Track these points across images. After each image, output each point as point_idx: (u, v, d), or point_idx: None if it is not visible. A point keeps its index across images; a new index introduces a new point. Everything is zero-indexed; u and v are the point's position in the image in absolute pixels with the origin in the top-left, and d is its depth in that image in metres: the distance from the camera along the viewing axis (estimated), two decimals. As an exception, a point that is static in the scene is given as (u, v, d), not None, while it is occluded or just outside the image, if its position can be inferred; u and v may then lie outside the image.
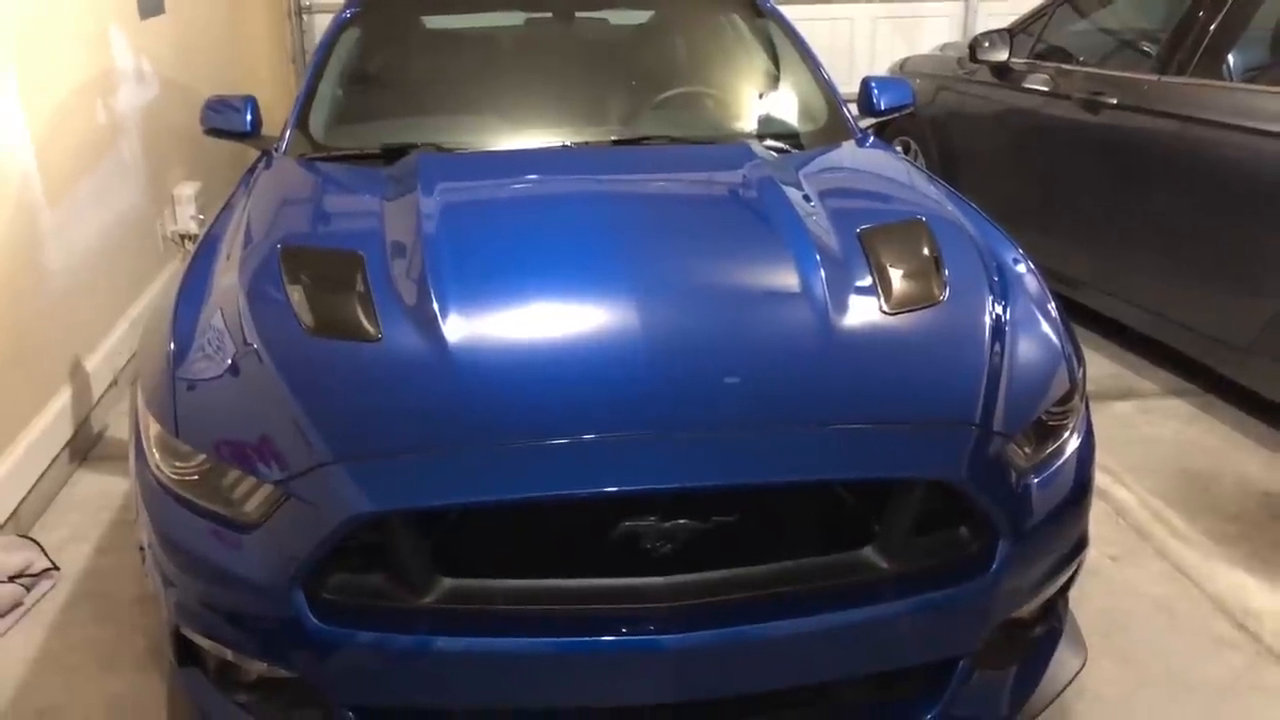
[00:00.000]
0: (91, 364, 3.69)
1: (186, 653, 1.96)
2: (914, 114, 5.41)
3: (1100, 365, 4.25)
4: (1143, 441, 3.61)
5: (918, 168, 2.97)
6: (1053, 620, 2.12)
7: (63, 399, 3.44)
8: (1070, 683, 2.11)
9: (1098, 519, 3.07)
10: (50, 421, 3.32)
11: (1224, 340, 3.66)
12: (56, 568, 2.85)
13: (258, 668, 1.87)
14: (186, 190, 4.89)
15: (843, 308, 2.05)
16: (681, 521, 1.75)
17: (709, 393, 1.86)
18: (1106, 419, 3.78)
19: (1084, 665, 2.16)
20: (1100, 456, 3.42)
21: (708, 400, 1.85)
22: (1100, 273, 4.28)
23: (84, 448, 3.54)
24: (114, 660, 2.50)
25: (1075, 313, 4.58)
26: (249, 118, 3.23)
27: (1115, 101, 4.07)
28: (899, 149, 5.70)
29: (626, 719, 1.87)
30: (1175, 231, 3.84)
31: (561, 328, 2.02)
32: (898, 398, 1.90)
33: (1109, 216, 4.17)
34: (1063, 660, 2.12)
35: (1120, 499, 3.23)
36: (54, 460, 3.31)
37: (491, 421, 1.79)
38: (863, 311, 2.06)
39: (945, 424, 1.86)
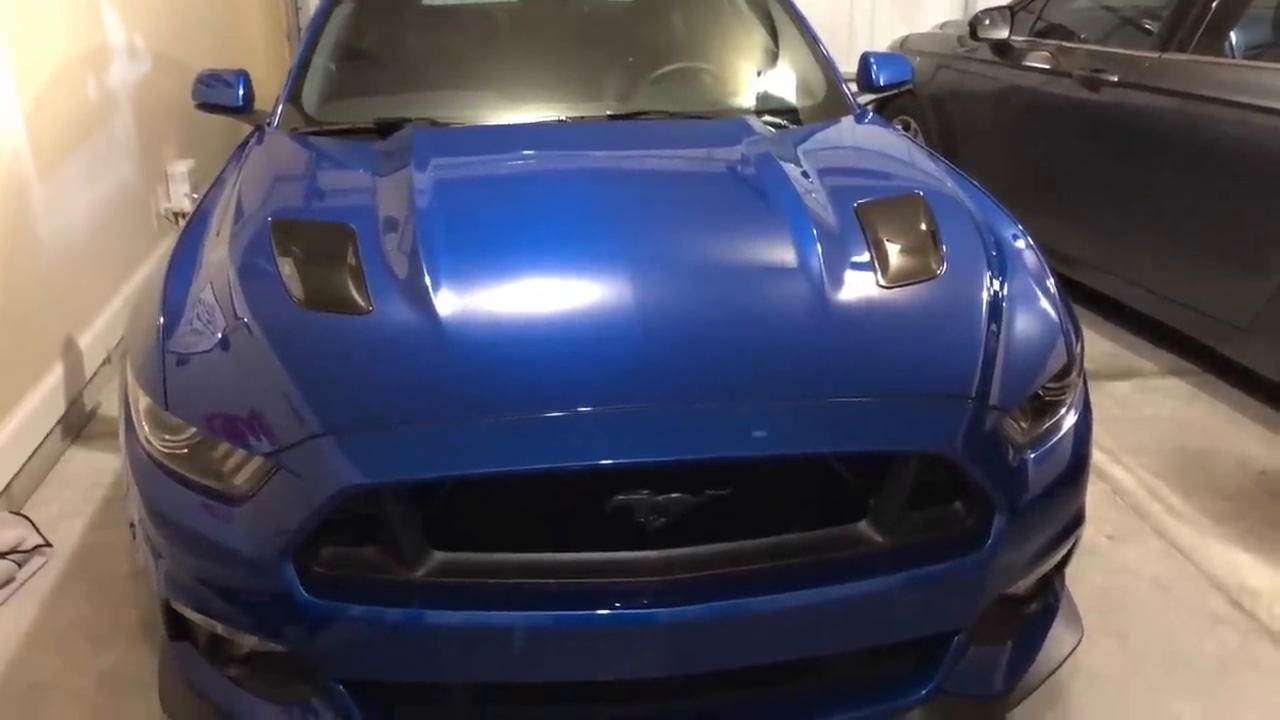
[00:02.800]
0: (84, 341, 3.67)
1: (178, 627, 1.94)
2: (914, 92, 5.40)
3: (1099, 344, 4.24)
4: (1141, 421, 3.60)
5: (916, 143, 2.94)
6: (1049, 596, 2.11)
7: (55, 376, 3.43)
8: (1066, 659, 2.10)
9: (1095, 498, 3.06)
10: (43, 398, 3.30)
11: (1223, 319, 3.65)
12: (49, 544, 2.84)
13: (249, 642, 1.86)
14: (180, 168, 4.87)
15: (839, 281, 2.03)
16: (675, 495, 1.73)
17: (703, 366, 1.85)
18: (1105, 398, 3.76)
19: (1080, 642, 2.15)
20: (1098, 435, 3.43)
21: (701, 373, 1.83)
22: (1100, 251, 4.27)
23: (77, 425, 3.52)
24: (105, 636, 2.49)
25: (1075, 292, 4.56)
26: (241, 92, 3.20)
27: (1116, 79, 4.04)
28: (899, 127, 5.69)
29: (619, 693, 1.86)
30: (1175, 210, 3.82)
31: (554, 301, 2.00)
32: (893, 371, 1.88)
33: (1109, 195, 4.14)
34: (1058, 636, 2.11)
35: (1118, 478, 3.22)
36: (47, 437, 3.30)
37: (483, 394, 1.77)
38: (859, 285, 2.04)
39: (941, 398, 1.85)
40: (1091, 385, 3.82)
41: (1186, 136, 3.72)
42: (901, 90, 5.51)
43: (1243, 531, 2.93)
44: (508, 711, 1.88)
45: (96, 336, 3.76)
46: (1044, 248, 4.53)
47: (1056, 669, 2.08)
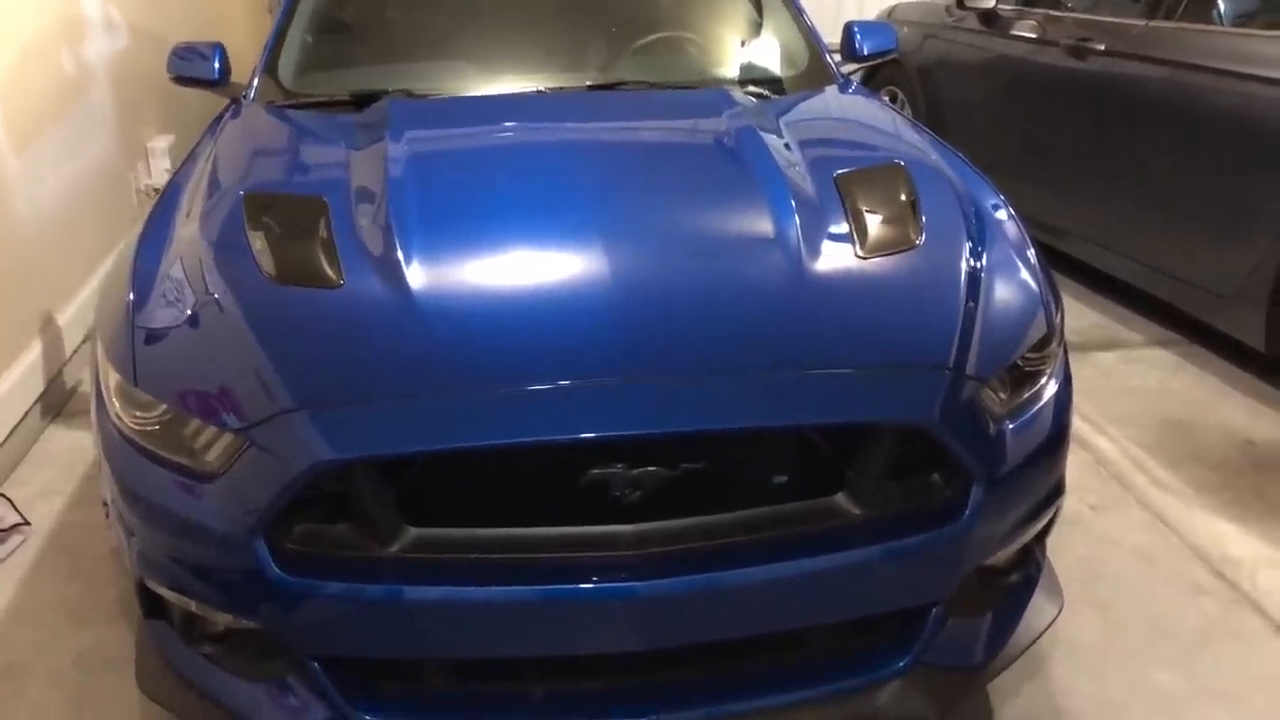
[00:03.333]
0: (64, 319, 3.64)
1: (153, 605, 1.93)
2: (901, 63, 5.37)
3: (1086, 316, 4.23)
4: (1126, 391, 3.59)
5: (899, 113, 2.91)
6: (1028, 567, 2.10)
7: (34, 353, 3.40)
8: (1046, 630, 2.10)
9: (1079, 468, 3.08)
10: (21, 376, 3.28)
11: (1208, 288, 3.63)
12: (27, 523, 2.83)
13: (223, 619, 1.85)
14: (160, 143, 4.82)
15: (816, 252, 2.01)
16: (650, 469, 1.72)
17: (678, 338, 1.83)
18: (1090, 369, 3.76)
19: (1060, 612, 2.14)
20: (1083, 406, 3.45)
21: (676, 345, 1.81)
22: (1086, 222, 4.25)
23: (57, 403, 3.50)
24: (83, 615, 2.47)
25: (1062, 263, 4.55)
26: (217, 65, 3.15)
27: (1102, 48, 4.01)
28: (885, 98, 5.65)
29: (596, 667, 1.85)
30: (1161, 179, 3.80)
31: (528, 273, 1.98)
32: (870, 342, 1.86)
33: (1095, 165, 4.12)
34: (1039, 607, 2.10)
35: (1102, 448, 3.21)
36: (26, 415, 3.27)
37: (454, 368, 1.75)
38: (837, 256, 2.01)
39: (917, 368, 1.83)
40: (1077, 356, 3.87)
41: (1172, 105, 3.70)
42: (886, 60, 5.50)
43: (1227, 501, 2.93)
44: (485, 687, 1.86)
45: (76, 314, 3.73)
46: (1032, 219, 4.54)
47: (1037, 640, 2.08)
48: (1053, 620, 2.12)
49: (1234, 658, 2.35)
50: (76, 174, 3.92)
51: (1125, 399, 3.53)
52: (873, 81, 5.75)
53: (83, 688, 2.27)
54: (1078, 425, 3.34)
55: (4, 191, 3.30)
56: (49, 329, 3.53)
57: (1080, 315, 4.24)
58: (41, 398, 3.40)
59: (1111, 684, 2.28)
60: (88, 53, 4.17)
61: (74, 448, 3.24)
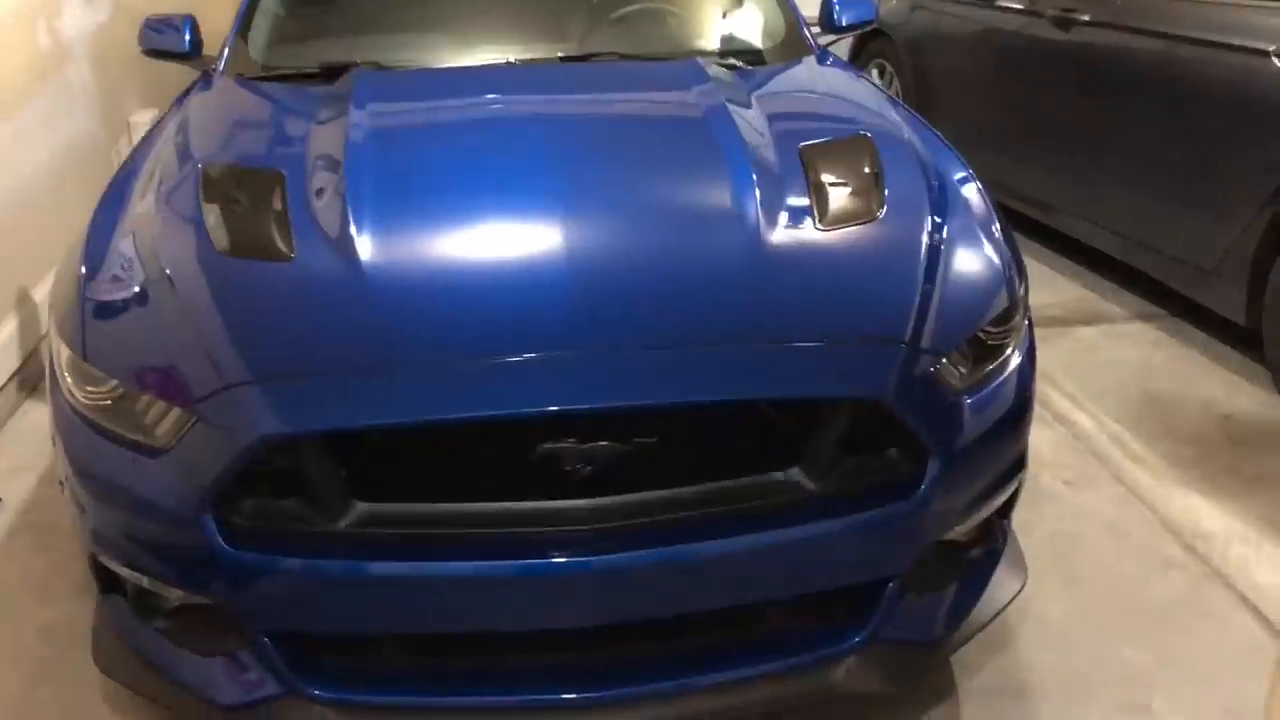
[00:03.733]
0: (40, 294, 3.62)
1: (109, 581, 1.93)
2: (888, 35, 5.32)
3: (1070, 290, 4.21)
4: (1106, 365, 3.57)
5: (875, 85, 2.88)
6: (990, 542, 2.08)
7: (9, 329, 3.39)
8: (1008, 605, 2.09)
9: (1055, 444, 3.07)
10: (-5, 351, 3.27)
11: (1189, 262, 3.61)
12: (-1, 498, 2.82)
13: (175, 595, 1.84)
14: (143, 118, 4.79)
15: (774, 225, 1.98)
16: (602, 443, 1.71)
17: (631, 312, 1.81)
18: (1071, 343, 3.74)
19: (1023, 587, 2.13)
20: (1063, 381, 3.43)
21: (630, 320, 1.79)
22: (1070, 196, 4.22)
23: (33, 378, 3.49)
24: (49, 589, 2.47)
25: (1048, 237, 4.52)
26: (188, 38, 3.12)
27: (1087, 18, 3.97)
28: (874, 71, 5.61)
29: (550, 643, 1.84)
30: (1143, 152, 3.77)
31: (482, 247, 1.96)
32: (826, 315, 1.85)
33: (1078, 138, 4.08)
34: (1001, 582, 2.09)
35: (1079, 423, 3.20)
36: (0, 390, 3.26)
37: (403, 342, 1.74)
38: (795, 228, 1.99)
39: (872, 341, 1.81)
40: (1059, 330, 3.84)
41: (1154, 76, 3.66)
42: (874, 33, 5.45)
43: (1201, 476, 2.92)
44: (438, 663, 1.86)
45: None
46: (1017, 193, 4.53)
47: (998, 615, 2.07)
48: (1015, 595, 2.11)
49: (1201, 633, 2.35)
50: (54, 148, 3.89)
51: (1106, 374, 3.51)
52: (861, 54, 5.70)
53: (46, 661, 2.27)
54: (1057, 401, 3.33)
55: (-24, 166, 3.28)
56: (25, 304, 3.51)
57: (1064, 289, 4.22)
58: (17, 373, 3.39)
59: (1077, 659, 2.27)
60: (65, 27, 4.13)
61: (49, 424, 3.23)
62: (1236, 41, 3.33)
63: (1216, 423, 3.19)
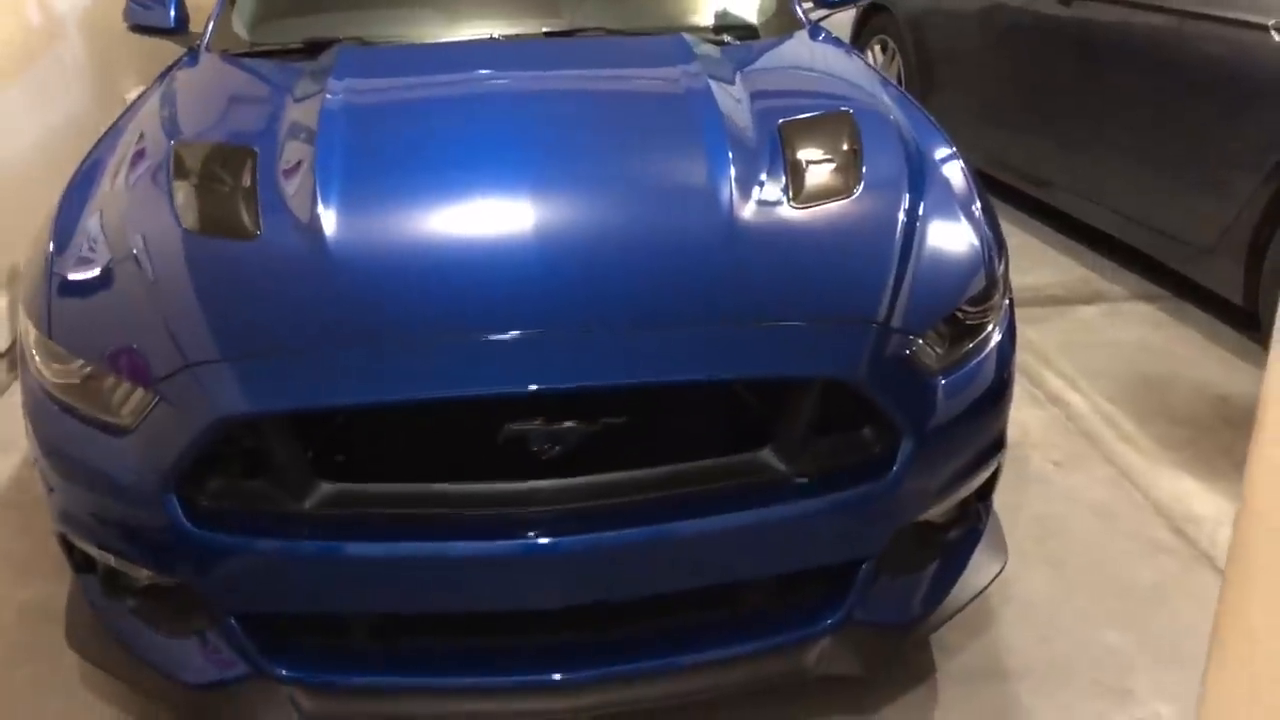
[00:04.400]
0: (31, 272, 3.61)
1: (81, 560, 1.92)
2: (890, 10, 5.25)
3: (1068, 269, 4.16)
4: (1103, 345, 3.53)
5: (864, 61, 2.84)
6: (968, 523, 2.06)
7: (-1, 307, 3.39)
8: (987, 587, 2.06)
9: (1047, 424, 3.04)
10: (-16, 330, 3.26)
11: (1189, 241, 3.56)
12: (-17, 476, 2.83)
13: (144, 575, 1.83)
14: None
15: (748, 202, 1.95)
16: (569, 423, 1.69)
17: (601, 291, 1.79)
18: (1070, 323, 3.70)
19: (1003, 569, 2.11)
20: (1058, 361, 3.40)
21: (599, 298, 1.77)
22: (1071, 174, 4.16)
23: (23, 357, 3.48)
24: (30, 569, 2.47)
25: (1051, 216, 4.47)
26: (173, 13, 3.10)
27: (1088, -7, 3.91)
28: (876, 47, 5.55)
29: (519, 624, 1.83)
30: (1143, 130, 3.71)
31: (451, 225, 1.93)
32: (798, 294, 1.82)
33: (1077, 114, 4.03)
34: (981, 564, 2.07)
35: (1072, 403, 3.16)
36: (-11, 369, 3.27)
37: (366, 321, 1.72)
38: (769, 206, 1.96)
39: (844, 321, 1.78)
40: (1058, 310, 3.80)
41: (1153, 53, 3.60)
42: (866, 6, 5.38)
43: (1193, 458, 2.88)
44: (406, 644, 1.85)
45: (44, 267, 3.70)
46: (1018, 171, 4.48)
47: (976, 597, 2.05)
48: (994, 577, 2.08)
49: (1186, 617, 2.32)
50: (47, 126, 3.88)
51: (1102, 354, 3.47)
52: (864, 30, 5.64)
53: (23, 640, 2.27)
54: (1051, 381, 3.29)
55: (-36, 144, 3.27)
56: (16, 284, 3.50)
57: (1066, 269, 4.17)
58: (7, 352, 3.39)
59: (1059, 643, 2.25)
60: (58, 4, 4.11)
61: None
62: (1235, 16, 3.27)
63: (1211, 404, 3.16)
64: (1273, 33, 3.13)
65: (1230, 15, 3.29)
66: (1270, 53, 3.14)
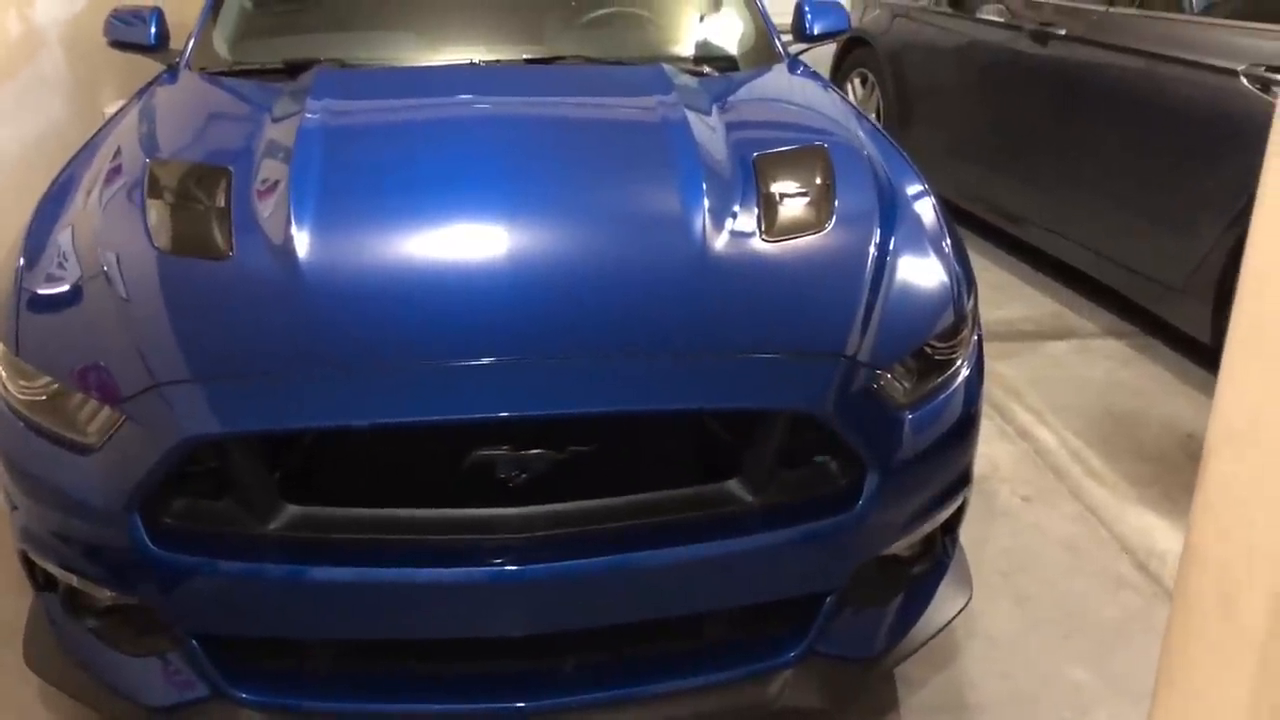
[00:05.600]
0: (3, 284, 3.59)
1: (42, 578, 1.90)
2: (871, 46, 5.31)
3: (1041, 304, 4.20)
4: (1073, 381, 3.57)
5: (840, 96, 2.87)
6: (933, 558, 2.07)
7: (-31, 319, 3.36)
8: (951, 621, 2.07)
9: (1016, 458, 3.06)
10: (-46, 342, 3.23)
11: (1159, 280, 3.60)
12: (-53, 490, 2.79)
13: (106, 595, 1.82)
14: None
15: (719, 234, 1.97)
16: (537, 451, 1.69)
17: (570, 319, 1.79)
18: (1040, 358, 3.73)
19: (968, 603, 2.12)
20: (1028, 396, 3.43)
21: (568, 327, 1.78)
22: (1045, 210, 4.21)
23: None
24: (-9, 584, 2.45)
25: (1024, 251, 4.52)
26: (153, 30, 3.10)
27: (1064, 33, 3.96)
28: (856, 80, 5.60)
29: (482, 651, 1.83)
30: (1115, 168, 3.77)
31: (423, 250, 1.94)
32: (767, 327, 1.83)
33: (1052, 152, 4.08)
34: (946, 597, 2.08)
35: (1041, 439, 3.19)
36: (-42, 382, 3.23)
37: (335, 344, 1.72)
38: (741, 238, 1.98)
39: (812, 355, 1.80)
40: (1028, 345, 3.84)
41: (1126, 93, 3.66)
42: (847, 40, 5.44)
43: (1159, 495, 2.91)
44: (368, 669, 1.84)
45: (17, 280, 3.68)
46: (992, 206, 4.53)
47: (940, 631, 2.05)
48: (959, 611, 2.09)
49: (1150, 653, 2.33)
50: (24, 138, 3.87)
51: (1071, 389, 3.50)
52: (844, 64, 5.70)
53: (-18, 658, 2.24)
54: (1020, 415, 3.32)
55: (-61, 154, 3.26)
56: (-13, 295, 3.48)
57: (1037, 304, 4.21)
58: (-24, 364, 3.35)
59: (1022, 678, 2.26)
60: (38, 16, 4.11)
61: None
62: (1206, 60, 3.33)
63: (1179, 441, 3.19)
64: (1242, 78, 3.19)
65: (1201, 60, 3.35)
66: (1239, 97, 3.19)
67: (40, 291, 1.89)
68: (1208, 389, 3.47)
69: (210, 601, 1.72)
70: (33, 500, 1.79)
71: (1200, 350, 3.60)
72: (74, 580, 1.81)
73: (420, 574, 1.67)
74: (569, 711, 1.82)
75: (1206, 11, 3.60)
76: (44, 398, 1.79)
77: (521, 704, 1.79)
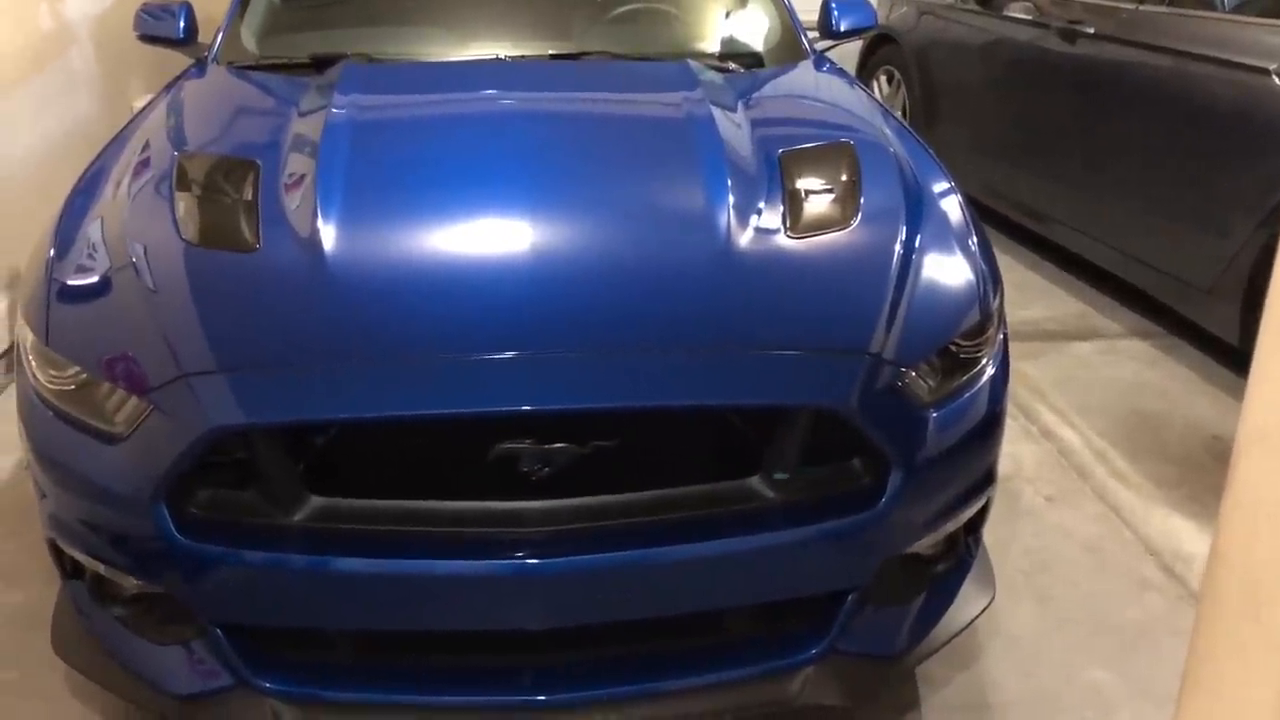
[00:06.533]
0: (33, 276, 3.63)
1: (70, 566, 1.92)
2: (897, 43, 5.29)
3: (1067, 304, 4.17)
4: (1098, 382, 3.54)
5: (866, 93, 2.86)
6: (956, 557, 2.06)
7: (-1, 309, 3.40)
8: (973, 621, 2.06)
9: (1040, 459, 3.04)
10: (-16, 332, 3.28)
11: (1187, 280, 3.57)
12: (-25, 479, 2.83)
13: (132, 583, 1.84)
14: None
15: (745, 231, 1.96)
16: (560, 445, 1.69)
17: (595, 314, 1.80)
18: (1065, 359, 3.71)
19: (990, 603, 2.10)
20: (1052, 396, 3.41)
21: (593, 322, 1.78)
22: (1071, 209, 4.18)
23: (22, 360, 3.49)
24: (17, 573, 2.47)
25: (1050, 250, 4.49)
26: (182, 24, 3.13)
27: (1092, 31, 3.93)
28: (882, 77, 5.58)
29: (503, 644, 1.84)
30: (1144, 168, 3.74)
31: (448, 244, 1.95)
32: (791, 323, 1.83)
33: (1081, 152, 4.05)
34: (968, 596, 2.07)
35: (1065, 439, 3.17)
36: (-14, 372, 3.28)
37: (361, 336, 1.73)
38: (766, 235, 1.97)
39: (836, 352, 1.79)
40: (1053, 345, 3.82)
41: (1156, 92, 3.63)
42: (873, 37, 5.42)
43: (1185, 497, 2.89)
44: (391, 660, 1.85)
45: (46, 271, 3.72)
46: (1018, 205, 4.50)
47: (962, 630, 2.04)
48: (981, 611, 2.08)
49: (1172, 656, 2.32)
50: (51, 132, 3.91)
51: (1097, 390, 3.48)
52: (870, 61, 5.67)
53: (7, 644, 2.27)
54: (1045, 416, 3.30)
55: (-30, 147, 3.29)
56: (16, 286, 3.52)
57: (1063, 304, 4.18)
58: (6, 354, 3.39)
59: (1044, 678, 2.25)
60: (69, 10, 4.15)
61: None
62: (1238, 59, 3.29)
63: (1204, 443, 3.16)
64: (1274, 76, 3.16)
65: (1233, 58, 3.32)
66: (1271, 96, 3.16)
67: (70, 282, 1.91)
68: (1234, 391, 3.44)
69: (234, 591, 1.73)
70: (61, 488, 1.81)
71: (1227, 351, 3.57)
72: (101, 568, 1.83)
73: (442, 566, 1.67)
74: (590, 705, 1.82)
75: (1238, 9, 3.56)
76: (73, 387, 1.80)
77: (542, 697, 1.80)
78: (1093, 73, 3.93)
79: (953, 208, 2.21)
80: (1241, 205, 3.28)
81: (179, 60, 3.24)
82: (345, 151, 2.14)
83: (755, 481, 1.79)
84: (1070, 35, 4.04)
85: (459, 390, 1.68)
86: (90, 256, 1.95)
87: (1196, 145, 3.47)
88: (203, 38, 3.19)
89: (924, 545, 1.94)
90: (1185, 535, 2.73)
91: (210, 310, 1.78)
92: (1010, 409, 2.41)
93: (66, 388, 1.81)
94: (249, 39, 3.01)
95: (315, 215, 1.92)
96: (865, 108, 2.65)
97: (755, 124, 2.39)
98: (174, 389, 1.67)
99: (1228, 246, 3.33)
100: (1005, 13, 4.49)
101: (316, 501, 1.73)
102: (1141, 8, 3.79)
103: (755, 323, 1.81)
